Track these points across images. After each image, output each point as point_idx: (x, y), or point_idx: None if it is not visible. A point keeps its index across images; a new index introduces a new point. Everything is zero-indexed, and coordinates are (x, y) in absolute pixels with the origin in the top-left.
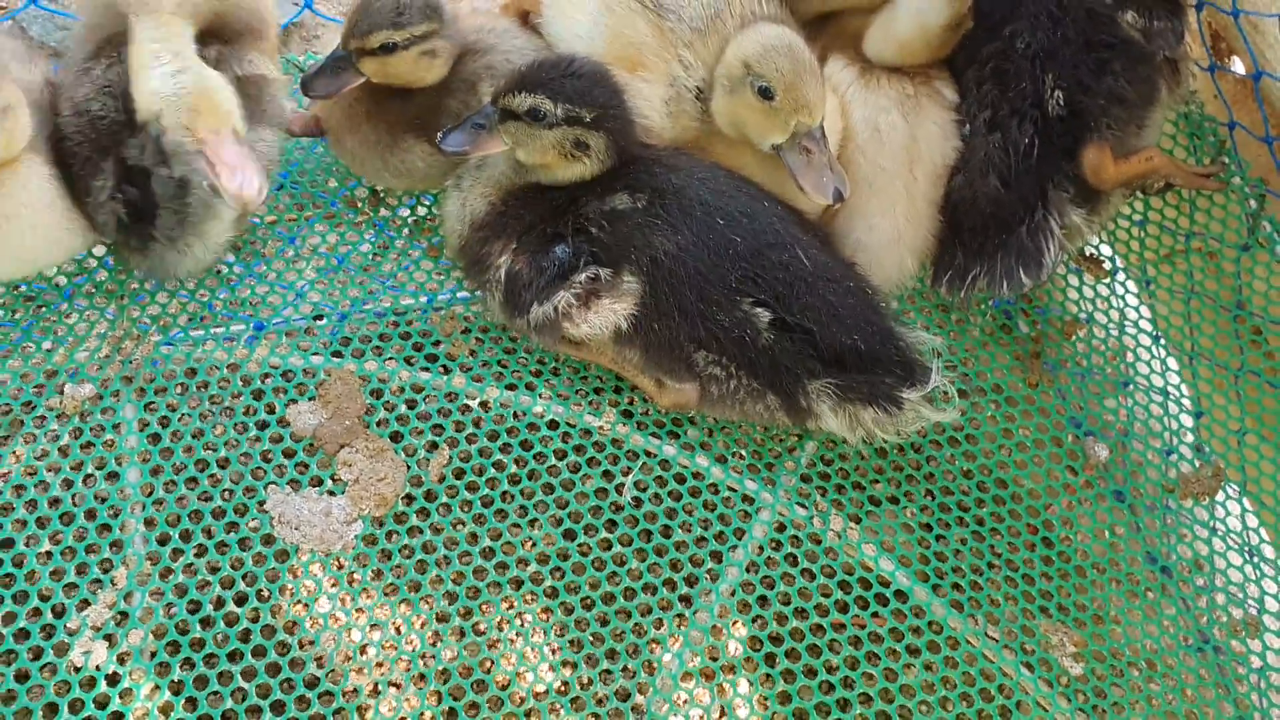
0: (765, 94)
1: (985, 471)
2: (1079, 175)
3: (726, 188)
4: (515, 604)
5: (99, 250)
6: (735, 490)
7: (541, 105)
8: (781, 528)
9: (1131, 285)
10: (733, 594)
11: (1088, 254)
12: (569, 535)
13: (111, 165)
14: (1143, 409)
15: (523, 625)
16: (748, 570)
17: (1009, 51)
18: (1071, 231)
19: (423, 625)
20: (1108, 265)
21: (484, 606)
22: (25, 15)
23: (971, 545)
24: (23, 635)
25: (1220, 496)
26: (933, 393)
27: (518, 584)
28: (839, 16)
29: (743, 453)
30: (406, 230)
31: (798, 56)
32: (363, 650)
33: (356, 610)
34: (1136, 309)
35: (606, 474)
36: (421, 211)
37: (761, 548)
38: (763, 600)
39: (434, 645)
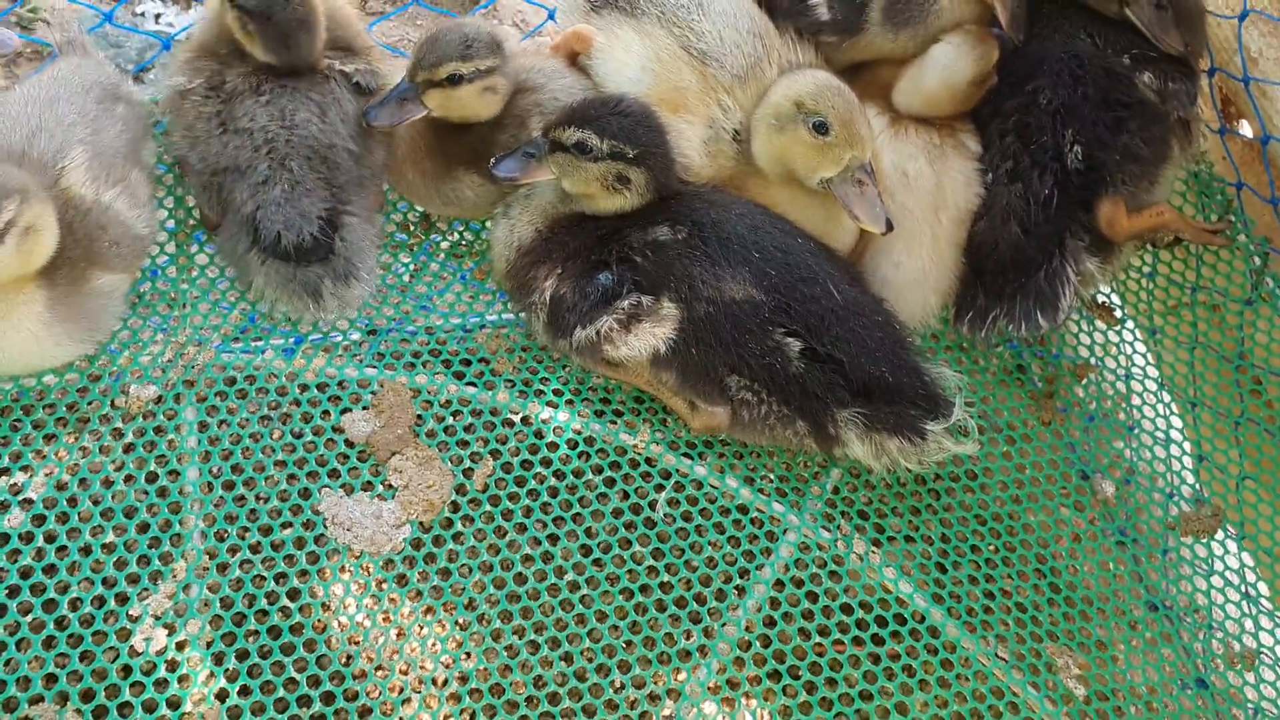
0: (820, 130)
1: (996, 504)
2: (1094, 226)
3: (763, 224)
4: (551, 612)
5: (162, 259)
6: (763, 512)
7: (589, 140)
8: (806, 549)
9: (1138, 334)
10: (759, 610)
11: (1099, 301)
12: (604, 548)
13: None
14: (1147, 450)
15: (557, 634)
16: (774, 588)
17: (1031, 107)
18: (1086, 279)
19: (469, 632)
20: (1118, 313)
21: (524, 612)
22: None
23: (985, 573)
24: (88, 620)
25: (1220, 536)
26: (954, 426)
27: (555, 591)
28: (870, 67)
29: (770, 476)
30: (456, 254)
31: (848, 96)
32: (395, 653)
33: (394, 615)
34: (1145, 356)
35: (640, 490)
36: (469, 237)
37: (788, 567)
38: (788, 617)
39: (469, 653)
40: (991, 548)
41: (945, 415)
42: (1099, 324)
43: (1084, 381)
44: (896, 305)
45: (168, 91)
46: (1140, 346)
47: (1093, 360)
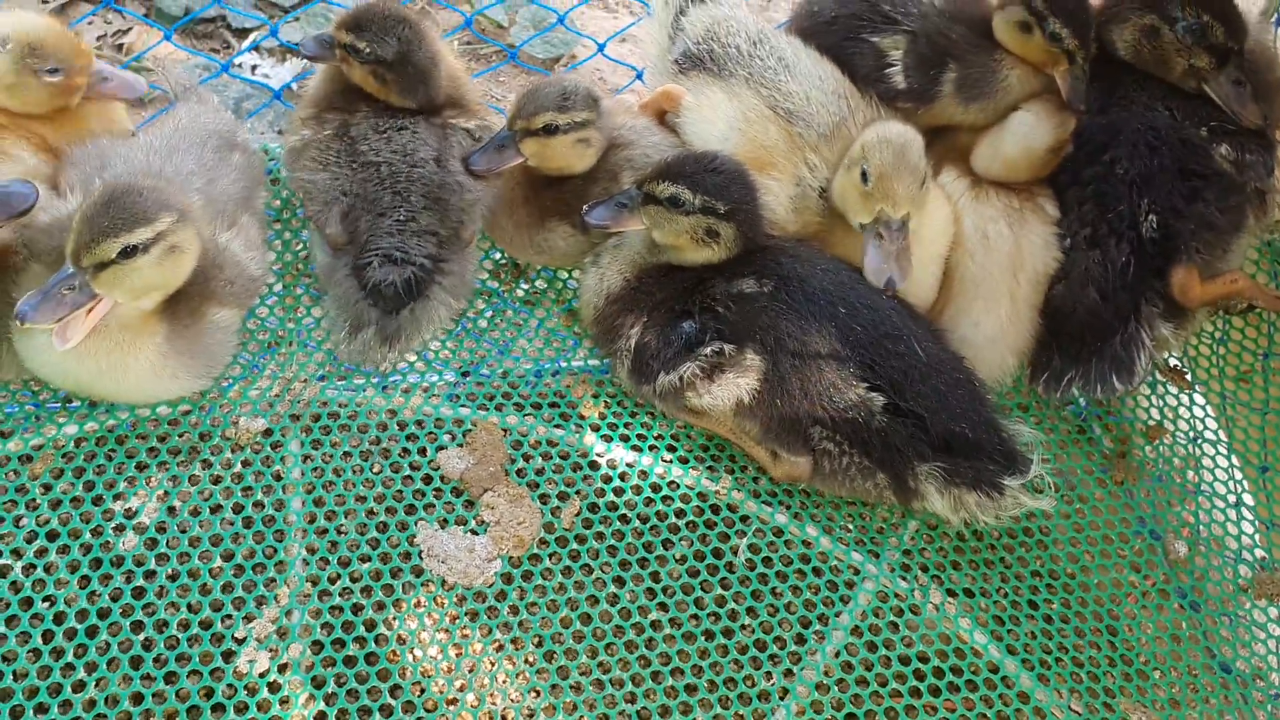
0: (865, 178)
1: (1067, 560)
2: (1168, 293)
3: (848, 280)
4: (635, 649)
5: (271, 299)
6: (842, 560)
7: (682, 194)
8: (884, 597)
9: (1209, 397)
10: (837, 655)
11: (1172, 365)
12: (686, 589)
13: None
14: (1219, 514)
15: (641, 671)
16: (852, 634)
17: (1109, 175)
18: (1160, 344)
19: (552, 662)
20: (1189, 377)
21: (609, 648)
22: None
23: (1057, 627)
24: (195, 640)
25: None
26: (1030, 482)
27: (640, 630)
28: (949, 131)
29: (849, 526)
30: (531, 300)
31: (903, 154)
32: (465, 686)
33: (468, 648)
34: (1216, 420)
35: (723, 535)
36: (558, 285)
37: (865, 615)
38: (866, 664)
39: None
40: (1063, 601)
41: (1022, 471)
42: (1170, 387)
43: (1155, 443)
44: (975, 363)
45: (295, 143)
46: (1210, 410)
47: (1164, 423)
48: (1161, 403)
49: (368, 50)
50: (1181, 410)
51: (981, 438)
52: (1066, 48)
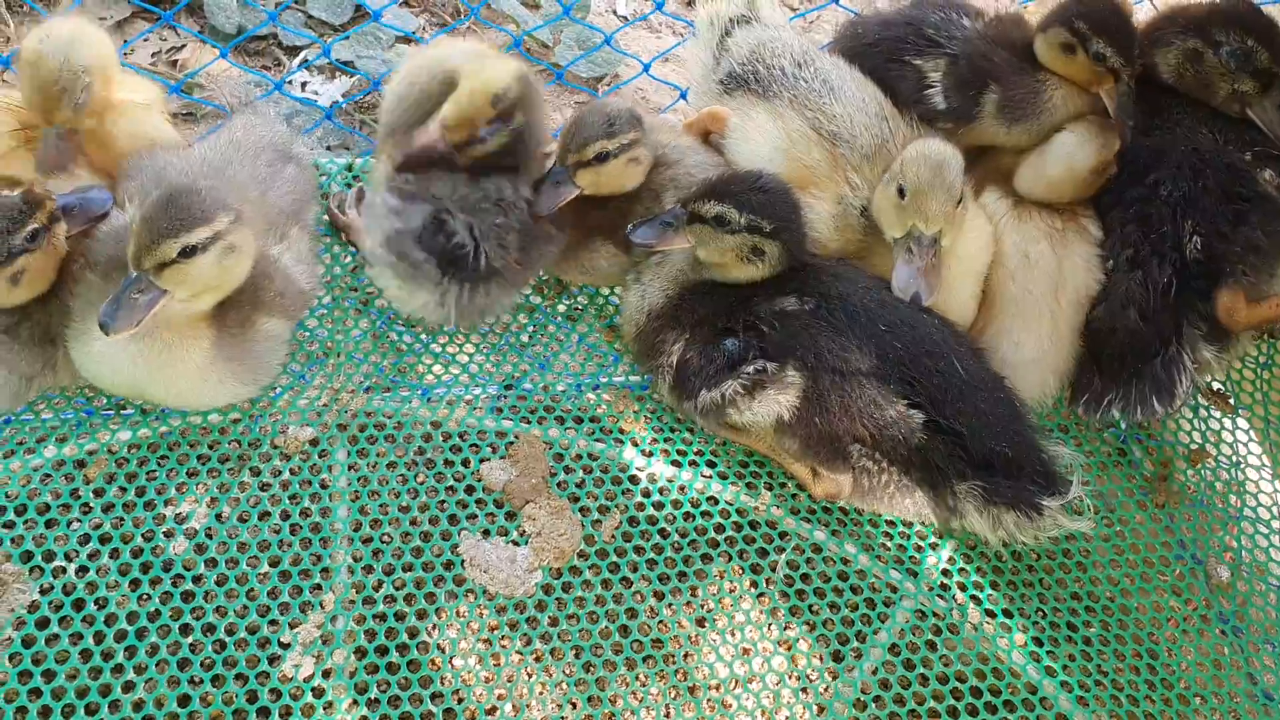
0: (900, 193)
1: (1108, 583)
2: (1213, 315)
3: (889, 298)
4: (672, 663)
5: (320, 311)
6: (880, 578)
7: (728, 214)
8: (922, 615)
9: (1253, 423)
10: (875, 672)
11: (1215, 389)
12: (724, 604)
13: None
14: (1262, 539)
15: (679, 684)
16: (890, 652)
17: (1153, 197)
18: (1203, 367)
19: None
20: (1232, 401)
21: (646, 661)
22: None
23: (1097, 648)
24: (242, 644)
25: None
26: (1069, 503)
27: (678, 643)
28: (992, 152)
29: (887, 544)
30: (573, 317)
31: (939, 171)
32: (504, 695)
33: (507, 658)
34: (1260, 445)
35: (761, 551)
36: (599, 301)
37: (903, 632)
38: (904, 681)
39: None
40: (1102, 624)
41: (1062, 492)
42: (1214, 411)
43: (1197, 467)
44: (1016, 383)
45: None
46: (1254, 435)
47: (1207, 446)
48: (1204, 426)
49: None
50: (1224, 434)
51: (1021, 457)
52: (1111, 66)
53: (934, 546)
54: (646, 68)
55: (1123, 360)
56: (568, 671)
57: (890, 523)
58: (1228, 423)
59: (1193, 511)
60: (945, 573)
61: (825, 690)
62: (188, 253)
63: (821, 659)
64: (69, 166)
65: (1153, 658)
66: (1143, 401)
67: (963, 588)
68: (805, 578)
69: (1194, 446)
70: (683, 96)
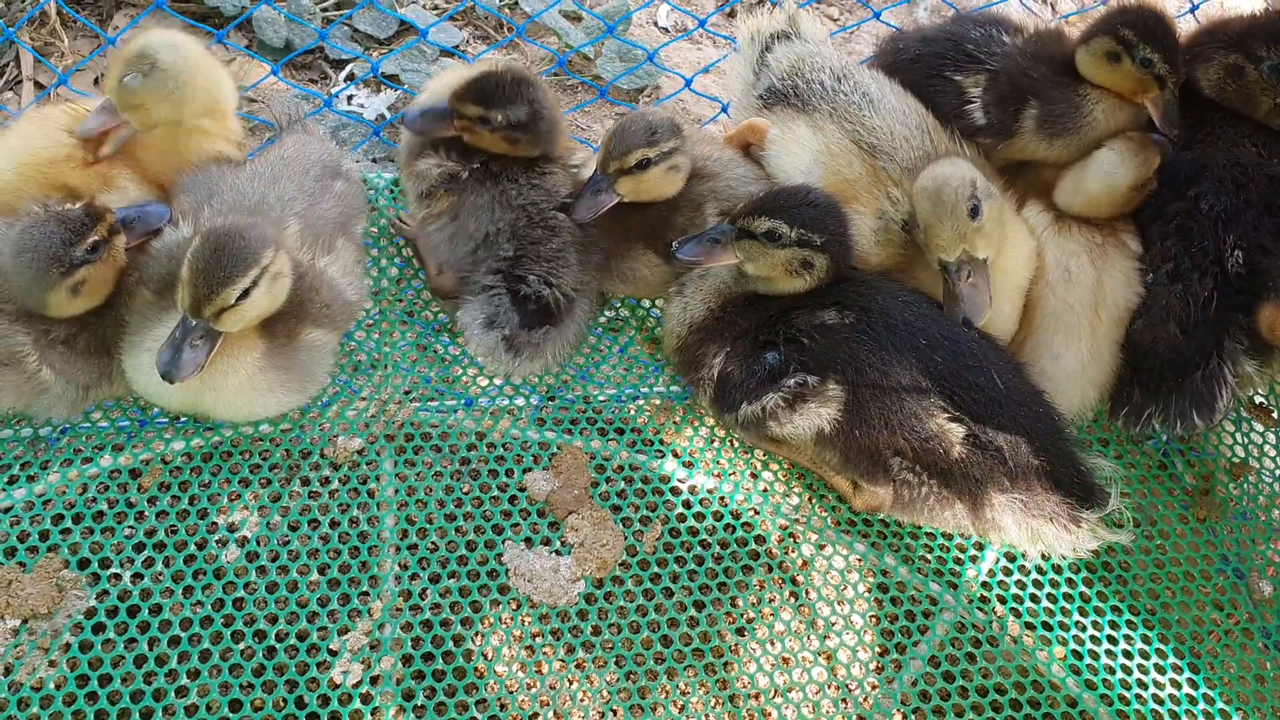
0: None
1: (1148, 597)
2: (1253, 329)
3: (929, 312)
4: (713, 673)
5: (368, 323)
6: (920, 590)
7: (779, 229)
8: (962, 628)
9: None
10: (915, 685)
11: (1258, 403)
12: (764, 615)
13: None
14: None
15: (720, 694)
16: (930, 664)
17: (1194, 211)
18: (1243, 380)
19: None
20: (1275, 414)
21: (687, 670)
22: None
23: (1137, 661)
24: (292, 651)
25: None
26: (1108, 516)
27: (719, 653)
28: (1033, 167)
29: (927, 556)
30: (616, 329)
31: (940, 200)
32: (546, 703)
33: (549, 666)
34: None
35: (801, 563)
36: (640, 313)
37: (943, 644)
38: (944, 694)
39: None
40: (1143, 637)
41: (1100, 504)
42: (1256, 425)
43: (1239, 480)
44: (1055, 396)
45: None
46: None
47: (1249, 460)
48: (1247, 440)
49: (502, 120)
50: (1268, 448)
51: (1060, 470)
52: (1158, 73)
53: (974, 559)
54: (689, 83)
55: (1162, 374)
56: (609, 679)
57: (930, 535)
58: (1271, 436)
59: (1235, 525)
60: (985, 585)
61: (865, 701)
62: (244, 295)
63: (861, 670)
64: (106, 146)
65: (1194, 671)
66: (1182, 415)
67: (1002, 600)
68: (845, 589)
69: (1236, 460)
70: (724, 110)
